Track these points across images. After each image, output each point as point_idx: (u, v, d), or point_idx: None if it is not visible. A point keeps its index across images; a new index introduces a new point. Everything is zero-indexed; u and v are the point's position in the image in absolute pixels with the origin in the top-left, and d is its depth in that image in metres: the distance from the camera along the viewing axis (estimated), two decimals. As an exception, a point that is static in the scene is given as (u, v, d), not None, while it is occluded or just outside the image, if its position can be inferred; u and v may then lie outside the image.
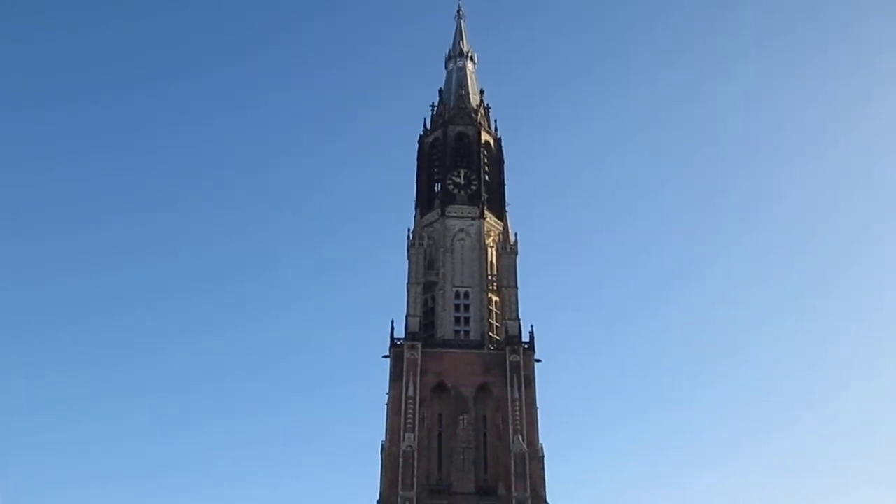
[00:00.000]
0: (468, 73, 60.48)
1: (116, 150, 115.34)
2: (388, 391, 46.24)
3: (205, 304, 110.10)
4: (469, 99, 58.12)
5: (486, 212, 52.77)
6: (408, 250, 51.33)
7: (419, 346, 46.68)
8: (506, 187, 55.02)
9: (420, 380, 45.66)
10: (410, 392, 45.11)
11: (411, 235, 51.82)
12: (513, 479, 43.08)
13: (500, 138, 56.95)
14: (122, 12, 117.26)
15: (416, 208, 53.69)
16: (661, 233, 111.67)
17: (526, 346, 47.28)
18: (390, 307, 51.22)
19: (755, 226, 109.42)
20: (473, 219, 52.43)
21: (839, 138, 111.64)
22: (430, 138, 56.71)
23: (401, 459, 43.12)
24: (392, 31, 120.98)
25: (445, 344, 48.12)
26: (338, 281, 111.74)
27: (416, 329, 47.54)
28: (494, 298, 50.36)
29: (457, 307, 49.77)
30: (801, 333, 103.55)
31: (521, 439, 44.08)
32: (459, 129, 56.09)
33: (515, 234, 52.14)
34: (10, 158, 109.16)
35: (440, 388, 46.32)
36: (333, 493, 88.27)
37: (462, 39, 62.27)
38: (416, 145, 56.91)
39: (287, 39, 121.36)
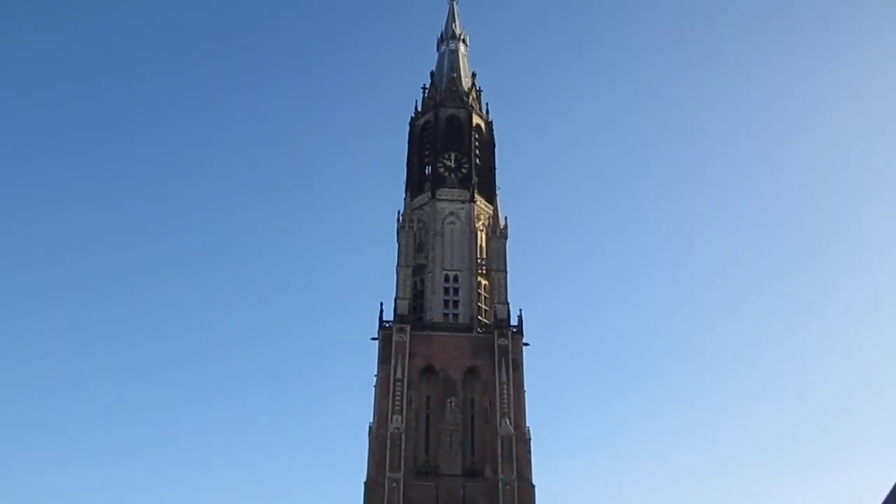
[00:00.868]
0: (460, 55, 60.16)
1: (102, 140, 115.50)
2: (376, 373, 46.41)
3: (196, 286, 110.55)
4: (461, 82, 57.84)
5: (476, 195, 52.71)
6: (398, 233, 51.30)
7: (408, 328, 46.78)
8: (496, 171, 55.05)
9: (408, 362, 45.81)
10: (399, 374, 45.27)
11: (401, 218, 51.77)
12: (499, 461, 43.41)
13: (491, 122, 56.73)
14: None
15: (406, 191, 53.58)
16: (647, 217, 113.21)
17: (514, 330, 47.46)
18: (380, 290, 51.27)
19: (738, 207, 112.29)
20: (463, 202, 52.38)
21: (817, 125, 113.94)
22: (422, 121, 56.47)
23: (388, 441, 43.34)
24: (384, 13, 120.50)
25: (434, 327, 48.24)
26: (327, 263, 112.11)
27: (406, 312, 47.62)
28: (483, 282, 50.47)
29: (446, 290, 49.84)
30: (777, 312, 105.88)
31: (508, 422, 44.34)
32: (451, 111, 55.85)
33: (505, 218, 52.13)
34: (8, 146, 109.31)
35: (428, 370, 46.51)
36: (321, 473, 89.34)
37: (455, 22, 61.84)
38: (408, 128, 56.77)
39: (278, 22, 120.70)
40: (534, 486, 43.35)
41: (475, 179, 53.32)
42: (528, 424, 45.08)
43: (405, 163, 55.42)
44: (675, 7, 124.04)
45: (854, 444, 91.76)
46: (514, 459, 43.45)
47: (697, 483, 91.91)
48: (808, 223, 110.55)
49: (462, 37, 61.08)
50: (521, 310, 48.31)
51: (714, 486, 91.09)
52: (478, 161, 54.47)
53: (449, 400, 45.52)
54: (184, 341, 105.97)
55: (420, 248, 51.01)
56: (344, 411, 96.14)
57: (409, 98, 58.26)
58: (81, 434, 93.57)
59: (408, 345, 46.26)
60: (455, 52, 60.19)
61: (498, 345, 46.61)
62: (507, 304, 48.65)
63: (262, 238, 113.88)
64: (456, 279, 50.31)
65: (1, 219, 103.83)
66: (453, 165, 53.75)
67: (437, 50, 61.28)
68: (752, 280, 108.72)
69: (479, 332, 48.20)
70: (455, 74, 58.05)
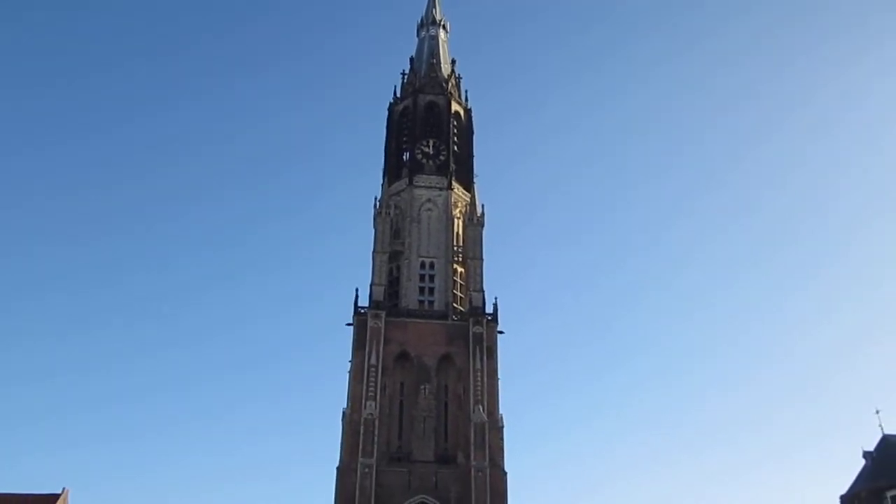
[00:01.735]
0: (440, 41, 59.93)
1: (80, 131, 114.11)
2: (350, 359, 46.37)
3: (171, 274, 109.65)
4: (440, 68, 57.67)
5: (453, 183, 52.69)
6: (374, 219, 51.16)
7: (383, 315, 46.77)
8: (474, 159, 55.01)
9: (383, 348, 45.82)
10: (373, 360, 45.27)
11: (378, 204, 51.63)
12: (472, 447, 43.62)
13: (470, 109, 56.67)
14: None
15: (383, 177, 53.40)
16: (622, 206, 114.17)
17: (489, 318, 47.61)
18: (355, 275, 51.25)
19: (710, 194, 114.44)
20: (441, 189, 52.34)
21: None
22: (400, 107, 56.25)
23: (362, 427, 43.40)
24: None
25: (409, 314, 48.25)
26: (303, 249, 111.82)
27: (381, 298, 47.61)
28: (459, 269, 50.54)
29: (422, 277, 49.86)
30: (759, 289, 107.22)
31: (481, 409, 44.53)
32: (430, 98, 55.71)
33: (482, 206, 52.19)
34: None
35: (403, 357, 46.56)
36: (294, 458, 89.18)
37: (435, 7, 61.54)
38: (386, 113, 56.51)
39: (256, 8, 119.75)
40: (506, 473, 43.64)
41: (453, 167, 53.27)
42: (501, 412, 45.34)
43: (383, 148, 55.23)
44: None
45: (823, 428, 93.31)
46: (487, 446, 43.68)
47: (669, 466, 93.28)
48: (784, 206, 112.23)
49: (442, 23, 60.79)
50: (496, 298, 48.65)
51: (685, 469, 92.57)
52: (456, 148, 54.40)
53: (423, 386, 45.65)
54: (158, 330, 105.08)
55: (397, 234, 50.92)
56: (317, 396, 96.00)
57: (388, 83, 58.15)
58: (60, 421, 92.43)
59: (383, 331, 46.24)
60: (435, 37, 59.93)
61: (473, 332, 46.73)
62: (483, 291, 48.79)
63: (237, 225, 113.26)
64: (432, 266, 50.30)
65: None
66: (431, 152, 53.64)
67: (417, 35, 60.98)
68: (723, 266, 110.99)
69: (454, 320, 48.28)
70: (434, 60, 57.85)
